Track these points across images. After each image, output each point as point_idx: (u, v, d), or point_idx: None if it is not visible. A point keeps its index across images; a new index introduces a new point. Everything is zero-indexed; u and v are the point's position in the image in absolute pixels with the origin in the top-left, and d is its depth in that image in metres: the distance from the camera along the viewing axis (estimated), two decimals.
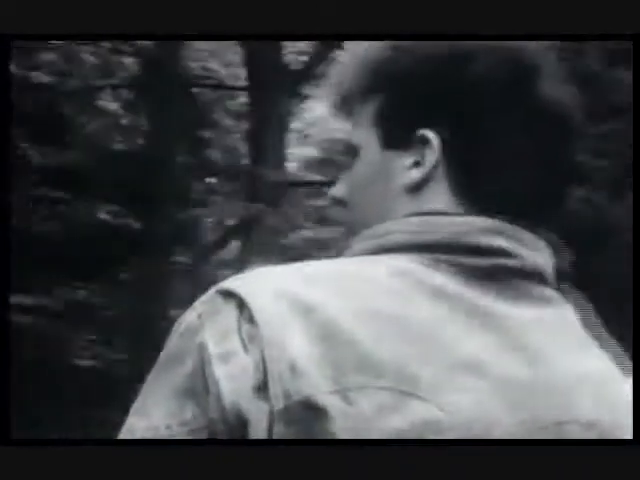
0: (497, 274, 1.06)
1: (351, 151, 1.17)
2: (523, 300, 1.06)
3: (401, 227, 1.08)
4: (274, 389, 0.93)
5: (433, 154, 1.09)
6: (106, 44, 11.34)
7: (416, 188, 1.11)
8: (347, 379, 0.94)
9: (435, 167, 1.09)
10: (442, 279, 1.03)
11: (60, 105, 11.04)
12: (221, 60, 13.00)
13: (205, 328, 0.98)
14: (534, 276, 1.08)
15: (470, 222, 1.07)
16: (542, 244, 1.10)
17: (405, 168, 1.11)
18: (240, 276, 1.03)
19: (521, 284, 1.07)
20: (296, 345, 0.95)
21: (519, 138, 1.09)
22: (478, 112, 1.09)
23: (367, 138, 1.15)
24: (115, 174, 10.69)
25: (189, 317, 1.01)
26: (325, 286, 1.00)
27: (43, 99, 10.93)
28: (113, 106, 12.30)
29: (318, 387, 0.93)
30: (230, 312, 0.98)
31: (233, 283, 1.01)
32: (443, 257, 1.04)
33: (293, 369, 0.94)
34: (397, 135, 1.12)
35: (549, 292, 1.10)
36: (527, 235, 1.08)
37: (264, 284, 1.00)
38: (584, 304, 1.12)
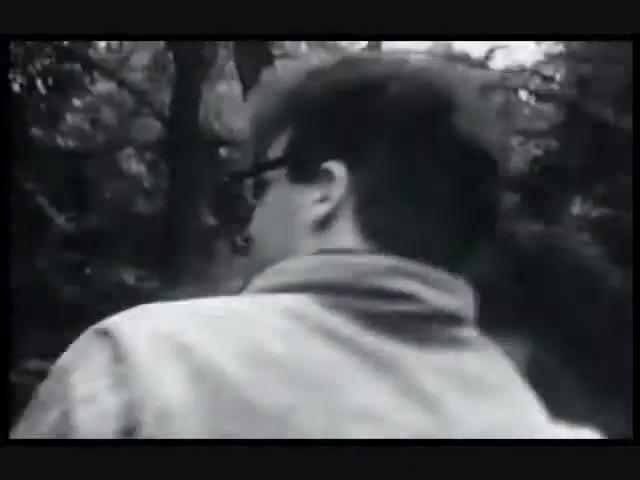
0: (398, 319, 0.99)
1: (262, 184, 1.12)
2: (429, 345, 1.00)
3: (300, 266, 1.03)
4: (140, 435, 0.87)
5: (338, 189, 1.04)
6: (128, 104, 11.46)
7: (321, 225, 1.06)
8: (222, 427, 0.88)
9: (341, 203, 1.04)
10: (337, 322, 0.97)
11: (83, 168, 11.20)
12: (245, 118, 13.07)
13: (76, 369, 0.92)
14: (444, 319, 1.02)
15: (371, 262, 1.01)
16: (460, 283, 1.04)
17: (311, 204, 1.06)
18: (122, 314, 0.96)
19: (427, 328, 1.00)
20: (169, 389, 0.88)
21: (432, 175, 1.04)
22: (387, 146, 1.04)
23: (278, 171, 1.10)
24: (138, 236, 10.78)
25: (63, 357, 0.95)
26: (209, 326, 0.94)
27: (67, 163, 11.05)
28: (136, 168, 12.47)
29: (188, 435, 0.87)
30: (103, 351, 0.92)
31: (110, 321, 0.95)
32: (340, 299, 0.99)
33: (162, 415, 0.87)
34: (304, 169, 1.08)
35: (466, 335, 1.04)
36: (439, 275, 1.02)
37: (143, 322, 0.94)
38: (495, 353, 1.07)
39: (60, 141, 10.97)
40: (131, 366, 0.89)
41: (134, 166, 12.53)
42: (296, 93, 1.09)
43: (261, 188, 1.12)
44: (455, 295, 1.03)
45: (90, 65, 10.41)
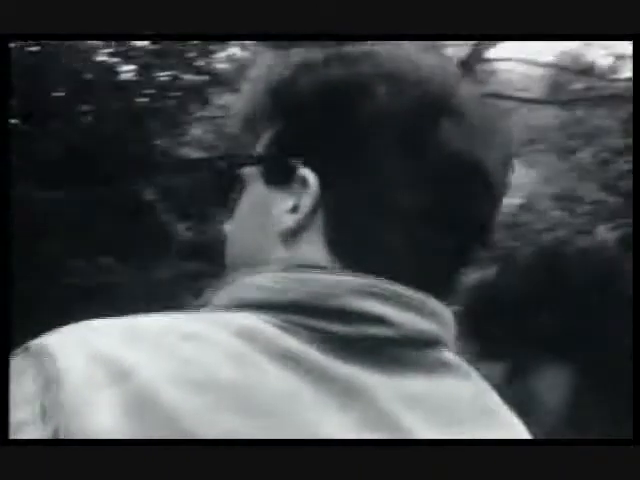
0: (366, 342, 0.92)
1: (238, 182, 1.05)
2: (400, 371, 0.93)
3: (262, 282, 0.95)
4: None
5: (309, 198, 0.97)
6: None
7: (291, 235, 0.98)
8: None
9: (311, 214, 0.97)
10: (295, 344, 0.89)
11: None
12: None
13: (13, 391, 0.85)
14: (420, 343, 0.95)
15: (339, 281, 0.93)
16: (436, 305, 0.96)
17: (283, 212, 0.99)
18: (58, 330, 0.89)
19: (399, 352, 0.93)
20: (102, 417, 0.82)
21: (415, 190, 0.95)
22: (367, 158, 0.96)
23: (254, 171, 1.03)
24: None
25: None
26: (150, 347, 0.87)
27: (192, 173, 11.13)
28: None
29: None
30: (36, 374, 0.85)
31: (45, 340, 0.88)
32: (302, 319, 0.91)
33: None
34: (279, 172, 1.00)
35: (444, 359, 0.97)
36: (414, 296, 0.94)
37: (79, 342, 0.87)
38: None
39: (185, 152, 10.97)
40: (62, 393, 0.83)
41: None
42: (284, 86, 1.01)
43: (239, 185, 1.05)
44: (430, 317, 0.95)
45: (212, 76, 10.48)
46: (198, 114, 10.74)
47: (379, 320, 0.92)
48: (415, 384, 0.93)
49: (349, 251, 0.96)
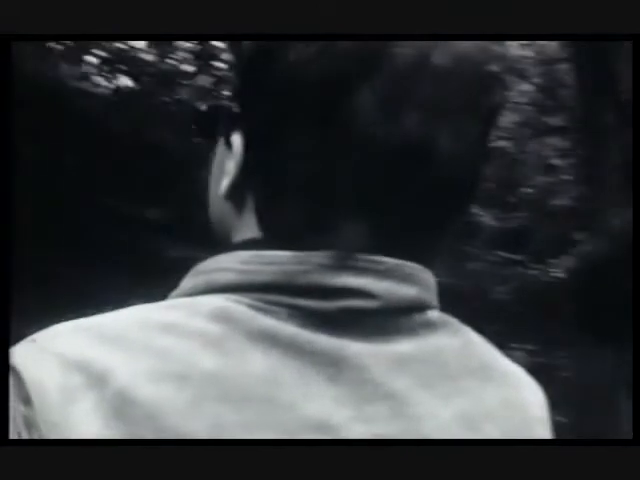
0: (349, 315, 0.89)
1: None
2: (386, 336, 0.90)
3: (229, 263, 0.91)
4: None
5: (232, 163, 0.93)
6: None
7: (234, 206, 0.95)
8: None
9: (239, 181, 0.93)
10: (273, 322, 0.86)
11: None
12: None
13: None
14: (403, 308, 0.91)
15: (309, 256, 0.89)
16: (412, 267, 0.92)
17: (220, 178, 0.96)
18: (28, 339, 0.86)
19: (383, 320, 0.90)
20: (85, 427, 0.80)
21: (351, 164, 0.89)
22: (288, 123, 0.89)
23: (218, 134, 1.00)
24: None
25: None
26: (123, 345, 0.83)
27: None
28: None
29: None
30: (14, 389, 0.83)
31: (16, 353, 0.85)
32: (278, 298, 0.88)
33: None
34: (226, 136, 0.96)
35: (429, 319, 0.94)
36: (389, 262, 0.90)
37: (51, 351, 0.84)
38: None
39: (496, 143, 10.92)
40: (36, 407, 0.81)
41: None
42: (234, 53, 0.98)
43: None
44: (408, 281, 0.92)
45: None
46: None
47: (358, 292, 0.89)
48: (401, 347, 0.90)
49: (277, 225, 0.92)
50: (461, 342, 0.96)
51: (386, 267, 0.90)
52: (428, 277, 0.95)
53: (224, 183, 0.94)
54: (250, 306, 0.87)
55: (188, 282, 0.94)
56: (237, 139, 0.94)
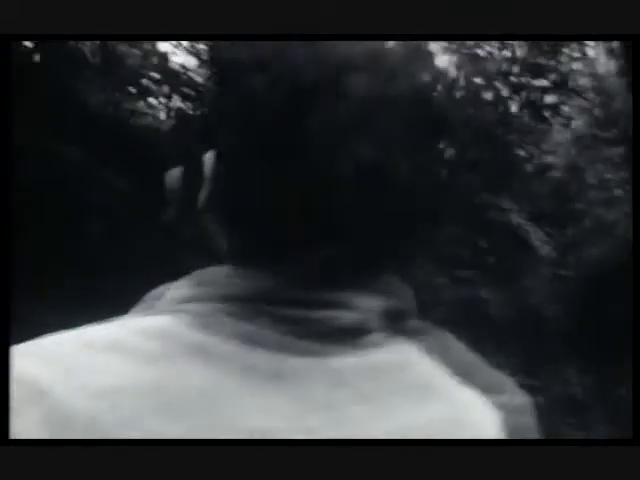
0: (292, 333, 0.91)
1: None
2: (332, 353, 0.92)
3: (185, 280, 0.96)
4: None
5: (201, 175, 0.97)
6: None
7: (204, 217, 0.99)
8: None
9: (209, 195, 0.96)
10: (214, 339, 0.89)
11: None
12: None
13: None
14: (346, 328, 0.93)
15: (281, 273, 0.92)
16: (389, 280, 0.96)
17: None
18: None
19: (329, 337, 0.92)
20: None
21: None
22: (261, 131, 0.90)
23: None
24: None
25: None
26: (65, 363, 0.87)
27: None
28: None
29: None
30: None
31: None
32: (223, 315, 0.91)
33: None
34: (199, 154, 1.00)
35: (377, 337, 0.94)
36: (362, 277, 0.94)
37: (13, 368, 0.88)
38: (446, 339, 1.00)
39: (546, 158, 10.92)
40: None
41: None
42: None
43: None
44: (384, 294, 0.95)
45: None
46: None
47: (331, 306, 0.92)
48: (340, 362, 0.92)
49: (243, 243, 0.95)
50: (402, 361, 0.96)
51: (359, 280, 0.94)
52: (402, 287, 0.97)
53: (200, 197, 0.97)
54: (191, 324, 0.90)
55: (141, 305, 0.97)
56: (207, 159, 0.97)
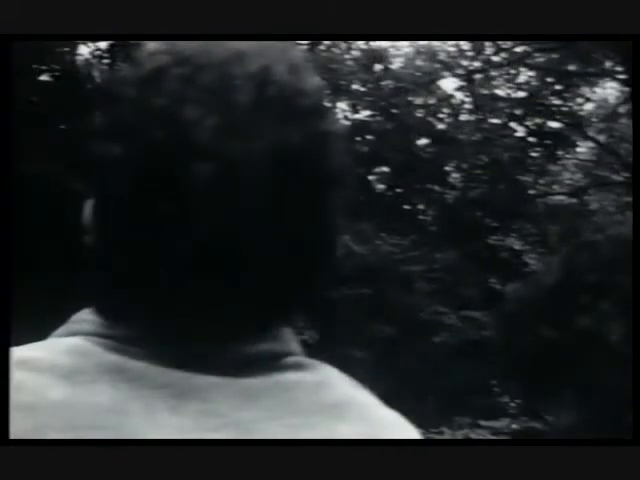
0: (200, 357, 0.93)
1: None
2: (241, 373, 0.93)
3: (89, 316, 0.96)
4: None
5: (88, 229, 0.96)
6: None
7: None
8: None
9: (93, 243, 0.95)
10: (122, 359, 0.91)
11: None
12: None
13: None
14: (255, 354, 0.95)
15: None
16: (276, 328, 0.96)
17: None
18: None
19: (238, 359, 0.94)
20: None
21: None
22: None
23: None
24: None
25: None
26: None
27: None
28: None
29: None
30: None
31: None
32: (132, 343, 0.92)
33: None
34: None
35: (287, 361, 0.96)
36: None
37: None
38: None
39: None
40: None
41: None
42: None
43: None
44: (271, 340, 0.96)
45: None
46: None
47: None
48: (250, 382, 0.93)
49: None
50: (316, 381, 0.97)
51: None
52: (287, 332, 0.98)
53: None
54: (104, 345, 0.92)
55: (61, 329, 0.97)
56: (87, 205, 0.95)
